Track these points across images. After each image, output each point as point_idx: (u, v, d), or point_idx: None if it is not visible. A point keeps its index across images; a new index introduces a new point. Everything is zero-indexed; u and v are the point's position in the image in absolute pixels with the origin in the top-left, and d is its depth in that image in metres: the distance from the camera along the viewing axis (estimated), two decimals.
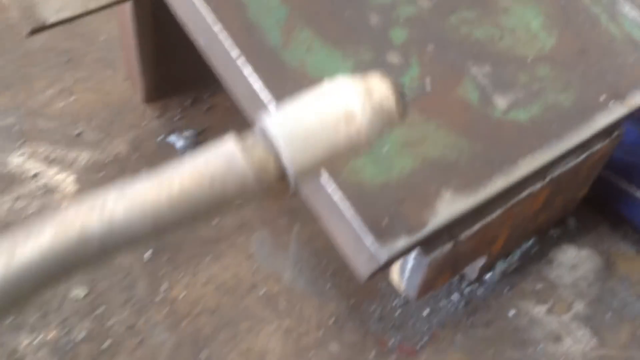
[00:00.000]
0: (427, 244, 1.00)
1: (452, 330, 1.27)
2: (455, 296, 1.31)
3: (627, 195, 1.38)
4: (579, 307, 1.31)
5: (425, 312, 1.29)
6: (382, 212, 0.92)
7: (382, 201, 0.93)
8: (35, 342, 1.16)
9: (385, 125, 0.67)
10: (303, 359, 1.21)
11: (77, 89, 1.57)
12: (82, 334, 1.18)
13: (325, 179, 0.93)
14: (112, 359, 1.16)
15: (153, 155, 1.47)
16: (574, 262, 1.38)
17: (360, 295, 1.30)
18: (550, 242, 1.41)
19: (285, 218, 1.39)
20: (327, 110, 0.65)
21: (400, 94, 0.68)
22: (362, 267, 0.94)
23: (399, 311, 1.28)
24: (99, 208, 0.55)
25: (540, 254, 1.39)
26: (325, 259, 1.34)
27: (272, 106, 0.96)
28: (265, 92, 0.98)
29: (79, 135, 1.47)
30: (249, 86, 1.00)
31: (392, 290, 1.30)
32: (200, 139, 1.52)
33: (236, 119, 1.53)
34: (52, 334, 1.17)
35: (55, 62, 1.62)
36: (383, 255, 0.89)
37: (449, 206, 0.96)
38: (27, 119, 1.48)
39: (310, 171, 0.66)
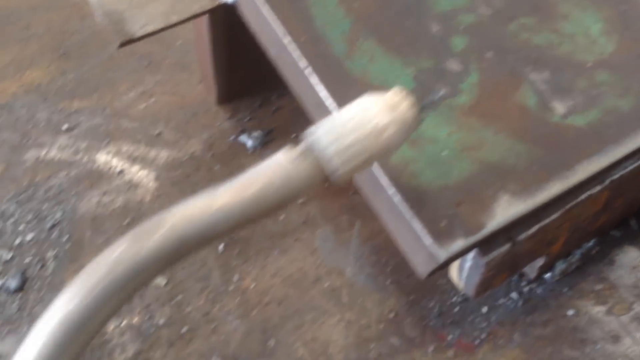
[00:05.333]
0: (485, 245, 1.04)
1: (510, 328, 1.30)
2: (514, 295, 1.34)
3: None
4: (639, 308, 1.31)
5: (484, 309, 1.32)
6: (441, 214, 0.97)
7: (440, 203, 0.98)
8: (121, 326, 1.28)
9: (407, 133, 0.84)
10: (364, 351, 1.27)
11: (156, 91, 1.68)
12: (163, 320, 1.28)
13: (386, 182, 0.99)
14: (190, 343, 1.26)
15: (225, 154, 1.56)
16: (635, 263, 1.38)
17: (419, 292, 1.35)
18: (612, 243, 1.42)
19: (347, 215, 1.46)
20: (362, 125, 0.81)
21: (417, 107, 0.86)
22: (421, 266, 0.99)
23: (457, 308, 1.33)
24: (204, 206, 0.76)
25: (601, 255, 1.39)
26: (385, 256, 1.40)
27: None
28: (330, 100, 1.05)
29: (158, 135, 1.59)
30: (315, 95, 1.07)
31: (451, 287, 1.34)
32: (268, 138, 1.60)
33: (301, 119, 1.60)
34: (136, 319, 1.28)
35: (137, 66, 1.75)
36: (441, 255, 0.94)
37: (506, 209, 1.00)
38: (112, 119, 1.61)
39: (350, 174, 0.82)
